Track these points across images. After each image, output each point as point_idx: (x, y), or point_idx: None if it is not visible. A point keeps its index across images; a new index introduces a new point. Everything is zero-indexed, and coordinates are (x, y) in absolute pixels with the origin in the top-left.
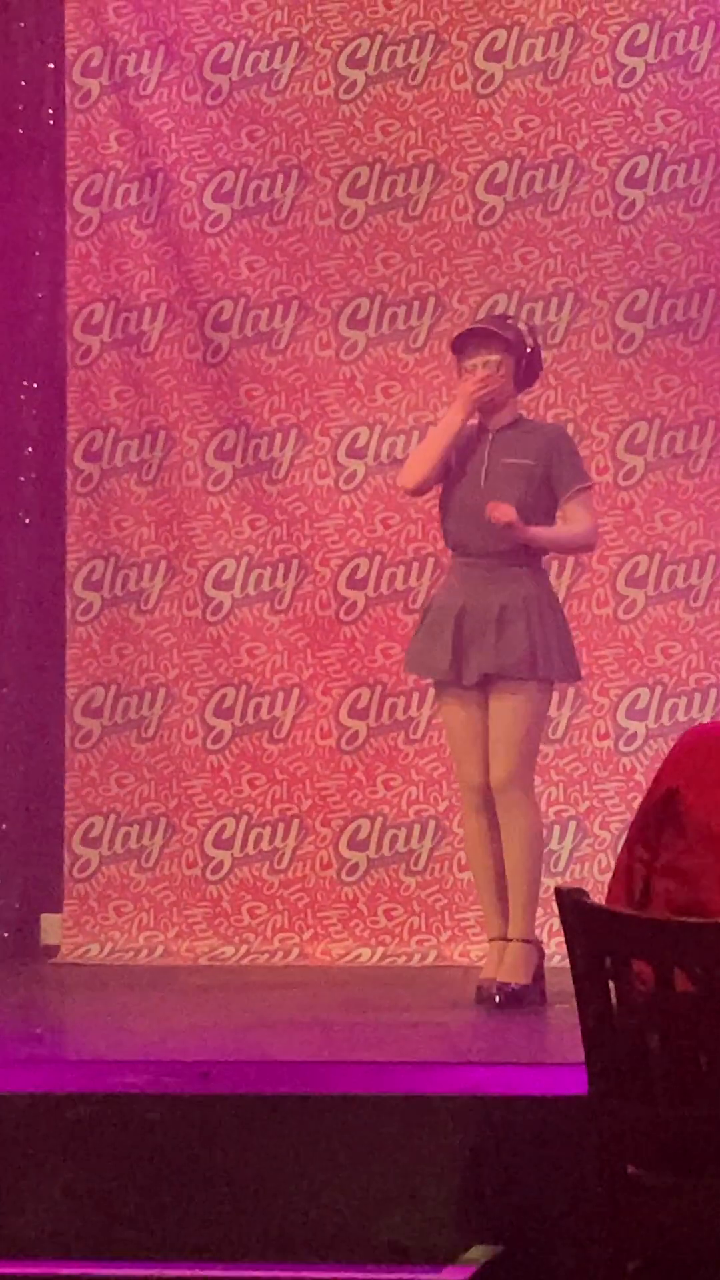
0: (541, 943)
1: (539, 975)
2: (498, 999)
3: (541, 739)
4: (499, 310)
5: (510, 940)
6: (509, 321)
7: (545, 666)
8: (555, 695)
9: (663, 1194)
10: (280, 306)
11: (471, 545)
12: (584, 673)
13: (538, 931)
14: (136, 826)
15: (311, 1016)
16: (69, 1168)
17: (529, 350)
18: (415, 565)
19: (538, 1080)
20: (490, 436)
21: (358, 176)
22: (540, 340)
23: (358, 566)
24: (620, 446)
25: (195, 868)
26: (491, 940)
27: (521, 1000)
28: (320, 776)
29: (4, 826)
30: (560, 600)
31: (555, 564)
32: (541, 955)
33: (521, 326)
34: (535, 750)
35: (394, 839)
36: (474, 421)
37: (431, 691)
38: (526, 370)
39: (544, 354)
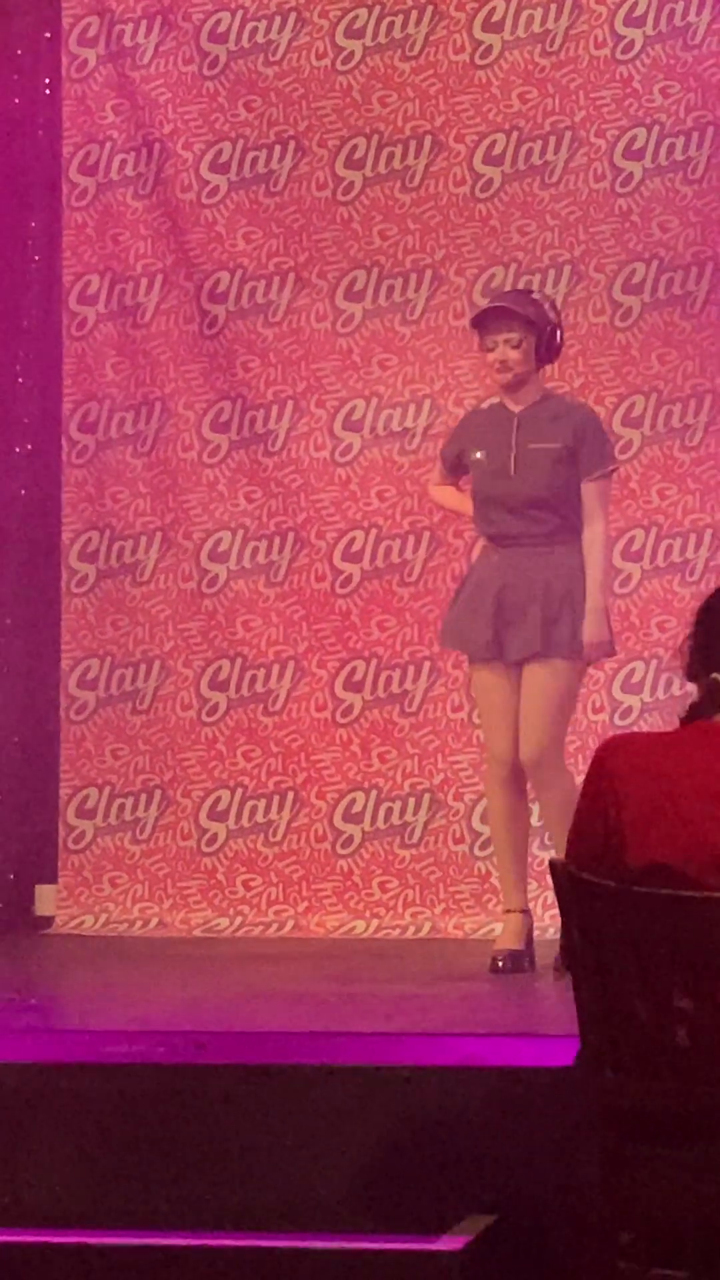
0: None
1: (530, 941)
2: (501, 964)
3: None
4: (496, 283)
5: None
6: (532, 297)
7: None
8: None
9: (657, 1165)
10: (277, 278)
11: (506, 534)
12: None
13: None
14: (131, 798)
15: (306, 988)
16: (63, 1138)
17: (551, 326)
18: (411, 538)
19: (532, 1051)
20: (516, 420)
21: (355, 148)
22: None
23: (354, 539)
24: (617, 420)
25: (190, 840)
26: (508, 912)
27: (519, 965)
28: (315, 749)
29: None
30: None
31: None
32: (532, 922)
33: (543, 301)
34: (567, 726)
35: (389, 812)
36: (495, 401)
37: (427, 665)
38: (549, 346)
39: None
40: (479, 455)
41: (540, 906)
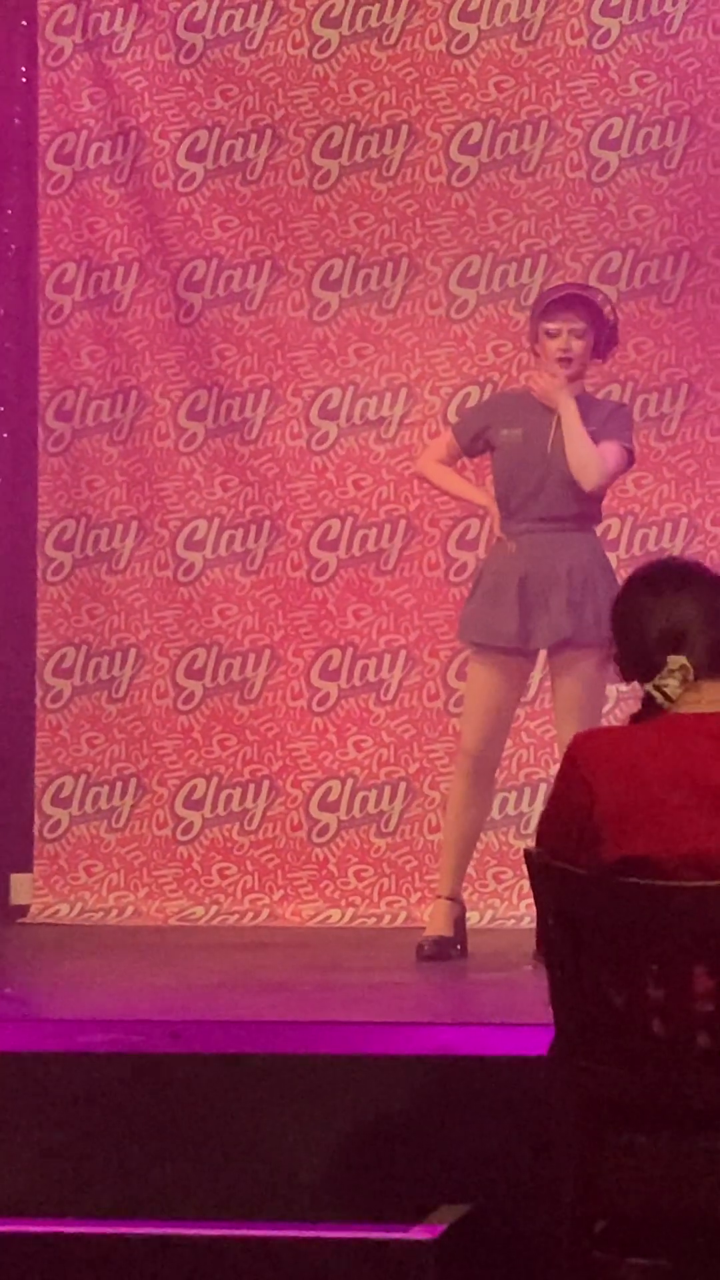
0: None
1: (460, 928)
2: (427, 951)
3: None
4: (472, 272)
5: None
6: (591, 288)
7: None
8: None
9: (631, 1154)
10: (253, 267)
11: (532, 513)
12: None
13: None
14: (107, 787)
15: (281, 977)
16: (37, 1127)
17: (612, 321)
18: (387, 527)
19: (506, 1040)
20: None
21: (331, 136)
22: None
23: (329, 528)
24: None
25: (165, 828)
26: (438, 898)
27: (446, 952)
28: (291, 738)
29: None
30: None
31: None
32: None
33: (602, 300)
34: (601, 711)
35: (364, 801)
36: (528, 387)
37: (403, 654)
38: (606, 342)
39: (517, 316)
40: (514, 433)
41: (516, 895)
